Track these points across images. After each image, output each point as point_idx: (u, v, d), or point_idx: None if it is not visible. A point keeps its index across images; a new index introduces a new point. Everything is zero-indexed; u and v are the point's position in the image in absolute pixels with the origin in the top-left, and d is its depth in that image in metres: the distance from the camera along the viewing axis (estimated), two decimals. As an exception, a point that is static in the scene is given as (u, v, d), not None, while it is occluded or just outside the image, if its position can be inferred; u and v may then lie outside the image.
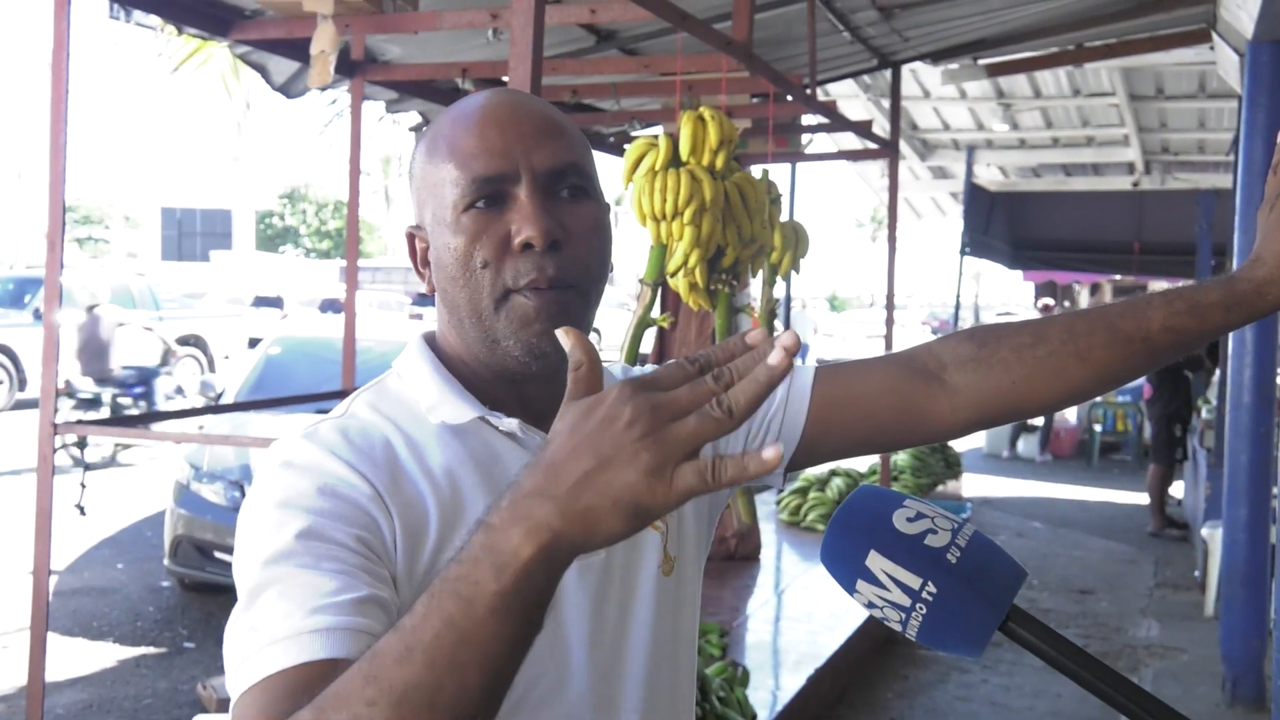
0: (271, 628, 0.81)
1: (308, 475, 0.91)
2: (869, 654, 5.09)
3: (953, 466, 8.66)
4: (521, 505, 0.71)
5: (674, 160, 3.14)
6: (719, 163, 3.11)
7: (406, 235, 1.06)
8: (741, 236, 3.25)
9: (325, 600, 0.81)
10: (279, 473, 0.92)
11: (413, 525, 0.93)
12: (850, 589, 0.87)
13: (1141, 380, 11.97)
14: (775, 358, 0.68)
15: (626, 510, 0.69)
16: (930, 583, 0.83)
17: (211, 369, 15.64)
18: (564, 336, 0.75)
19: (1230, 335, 4.90)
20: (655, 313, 3.25)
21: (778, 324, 3.93)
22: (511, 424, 1.00)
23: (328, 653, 0.79)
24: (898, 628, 0.86)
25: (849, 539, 0.87)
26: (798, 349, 0.68)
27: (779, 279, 3.68)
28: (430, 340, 1.06)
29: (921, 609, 0.84)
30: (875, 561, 0.85)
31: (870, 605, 0.86)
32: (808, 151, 6.95)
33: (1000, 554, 0.86)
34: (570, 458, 0.70)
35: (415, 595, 0.88)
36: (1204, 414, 7.91)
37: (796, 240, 3.62)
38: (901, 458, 8.05)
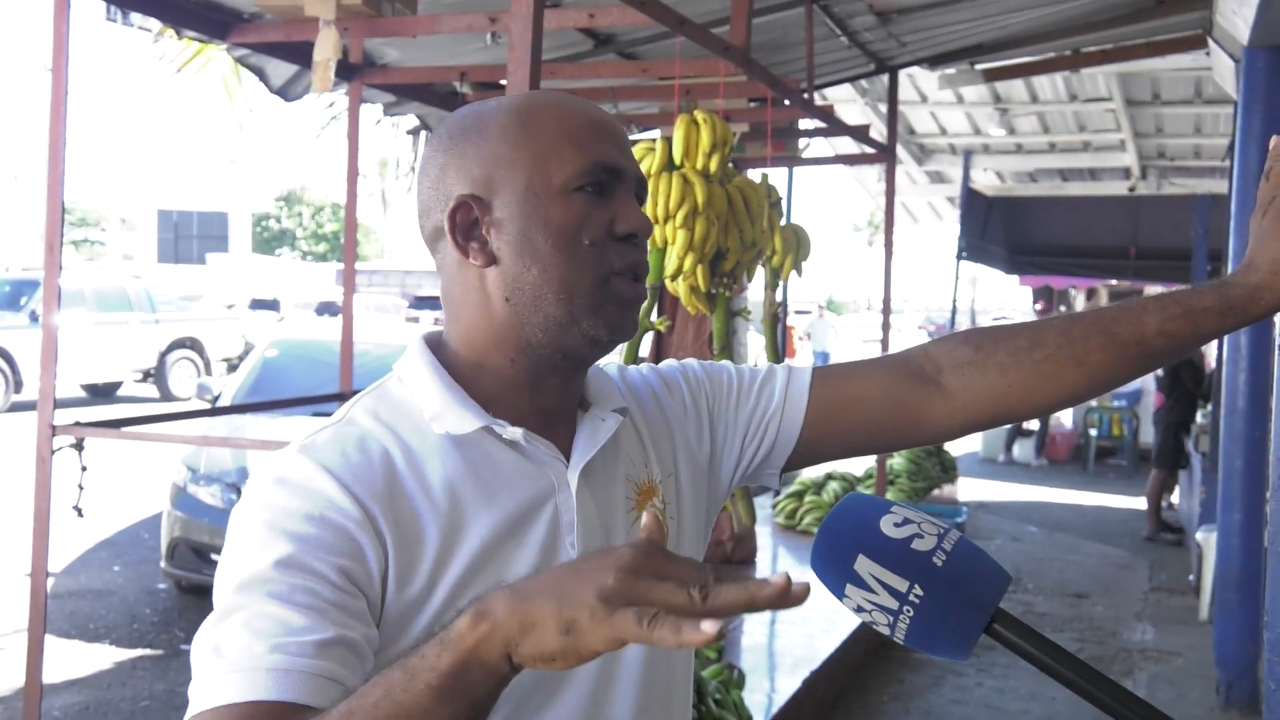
0: (233, 654, 0.82)
1: (298, 496, 0.91)
2: (864, 657, 5.10)
3: (949, 470, 8.67)
4: (492, 595, 0.75)
5: (669, 164, 3.15)
6: (713, 165, 3.12)
7: (455, 203, 0.99)
8: (744, 241, 3.26)
9: (288, 638, 0.82)
10: (271, 489, 0.92)
11: (408, 543, 0.93)
12: (839, 594, 0.88)
13: (1138, 386, 12.03)
14: (770, 590, 0.68)
15: (561, 623, 0.71)
16: (917, 586, 0.85)
17: (208, 371, 15.64)
18: (647, 518, 0.76)
19: (1225, 340, 4.92)
20: (653, 316, 3.27)
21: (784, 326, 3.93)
22: (515, 433, 0.99)
23: (278, 694, 0.80)
24: (885, 631, 0.87)
25: (838, 544, 0.88)
26: (794, 594, 0.68)
27: (779, 282, 3.69)
28: (432, 342, 1.05)
29: (909, 611, 0.85)
30: (864, 565, 0.86)
31: (859, 609, 0.88)
32: (805, 156, 6.97)
33: (985, 558, 0.88)
34: (562, 569, 0.75)
35: (406, 612, 0.90)
36: (1199, 419, 7.93)
37: (798, 244, 3.63)
38: (897, 461, 8.06)
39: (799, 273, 3.68)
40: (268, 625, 0.83)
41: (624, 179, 1.01)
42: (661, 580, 0.70)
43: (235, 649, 0.82)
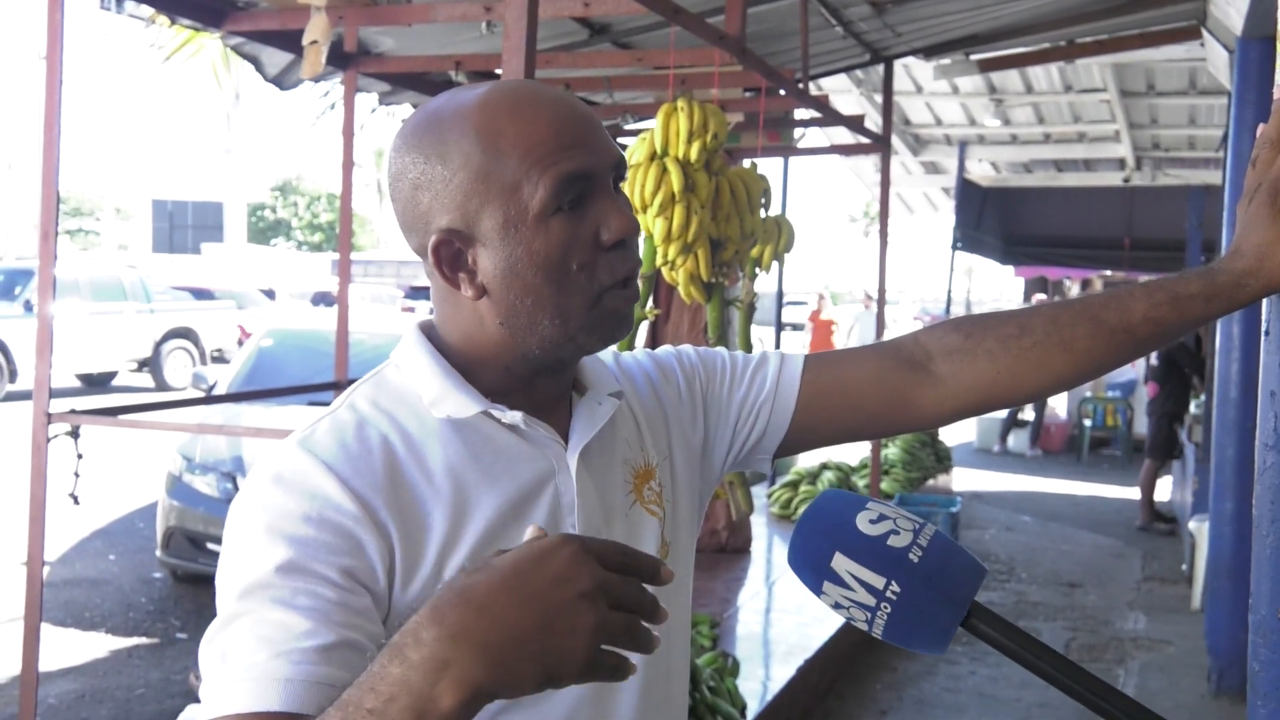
0: (239, 661, 0.84)
1: (295, 496, 0.91)
2: (858, 646, 5.12)
3: (943, 460, 8.69)
4: (445, 649, 0.72)
5: (654, 154, 3.16)
6: (693, 153, 3.11)
7: (435, 241, 0.97)
8: (743, 230, 3.27)
9: (292, 645, 0.83)
10: (269, 488, 0.92)
11: (412, 530, 0.94)
12: (817, 591, 0.89)
13: (1133, 375, 12.06)
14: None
15: (546, 673, 0.73)
16: (894, 582, 0.86)
17: (203, 361, 15.62)
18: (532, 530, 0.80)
19: (1218, 330, 4.93)
20: (646, 305, 3.27)
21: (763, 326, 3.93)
22: (515, 417, 1.00)
23: (282, 704, 0.82)
24: (864, 627, 0.88)
25: (815, 542, 0.89)
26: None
27: (760, 272, 3.68)
28: (427, 330, 1.05)
29: (886, 608, 0.86)
30: (840, 563, 0.87)
31: (837, 606, 0.89)
32: (800, 146, 6.97)
33: (961, 552, 0.89)
34: (511, 607, 0.72)
35: (414, 599, 0.91)
36: (1192, 409, 7.96)
37: (779, 234, 3.62)
38: (892, 452, 8.08)
39: (780, 263, 3.66)
40: (272, 632, 0.84)
41: (598, 177, 0.97)
42: (618, 608, 0.75)
43: (241, 656, 0.84)
